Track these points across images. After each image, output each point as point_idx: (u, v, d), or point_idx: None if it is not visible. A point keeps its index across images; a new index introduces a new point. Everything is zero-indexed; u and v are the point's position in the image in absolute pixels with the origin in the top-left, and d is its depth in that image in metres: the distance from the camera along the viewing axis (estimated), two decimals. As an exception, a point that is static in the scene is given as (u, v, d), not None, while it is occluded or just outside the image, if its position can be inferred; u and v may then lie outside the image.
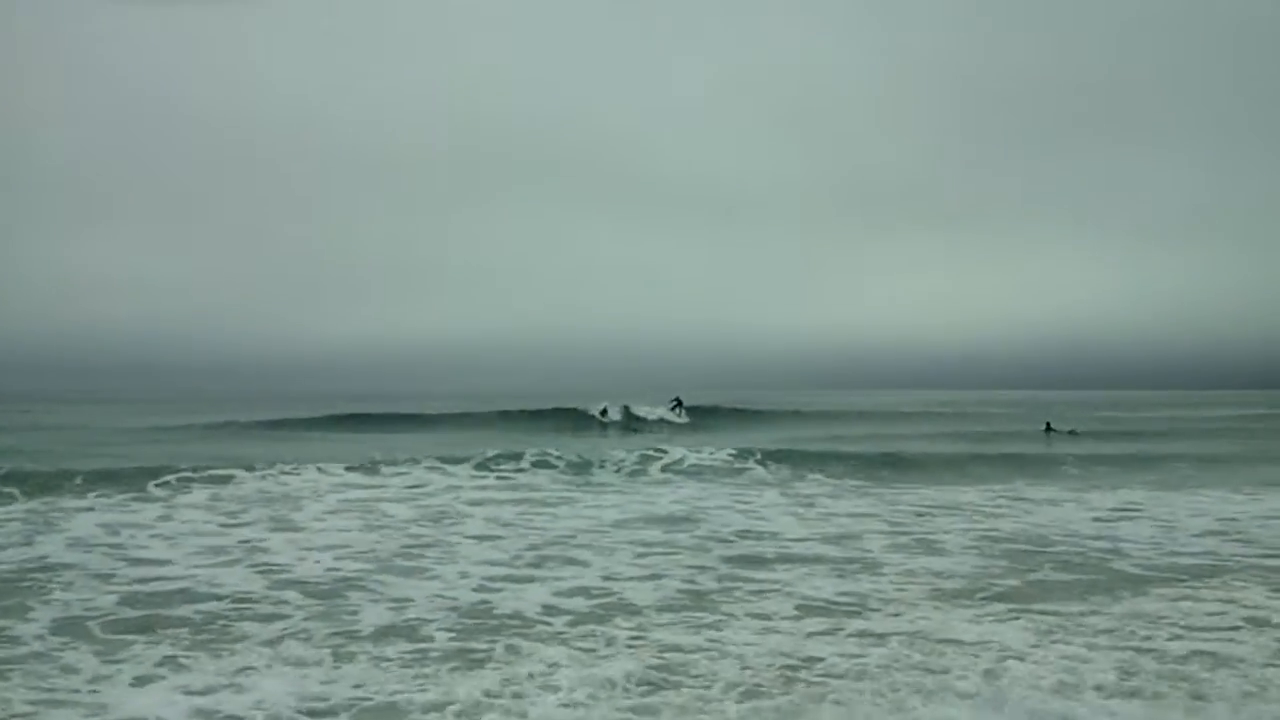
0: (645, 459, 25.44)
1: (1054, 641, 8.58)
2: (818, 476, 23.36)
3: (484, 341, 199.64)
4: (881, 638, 8.76)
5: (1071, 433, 38.71)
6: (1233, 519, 16.60)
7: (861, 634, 8.91)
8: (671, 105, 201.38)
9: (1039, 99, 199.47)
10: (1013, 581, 11.31)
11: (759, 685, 7.38)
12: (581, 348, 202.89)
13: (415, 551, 13.30)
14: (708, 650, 8.34)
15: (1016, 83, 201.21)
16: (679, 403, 47.37)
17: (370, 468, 22.77)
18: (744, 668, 7.83)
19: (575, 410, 45.06)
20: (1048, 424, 40.88)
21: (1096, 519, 16.74)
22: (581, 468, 24.31)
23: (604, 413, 44.06)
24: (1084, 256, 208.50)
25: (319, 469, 22.11)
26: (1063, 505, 18.57)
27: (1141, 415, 55.58)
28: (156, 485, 19.74)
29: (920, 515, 17.12)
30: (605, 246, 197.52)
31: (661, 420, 44.53)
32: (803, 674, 7.66)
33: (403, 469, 22.88)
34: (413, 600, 10.33)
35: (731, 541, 14.27)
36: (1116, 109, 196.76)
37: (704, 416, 45.95)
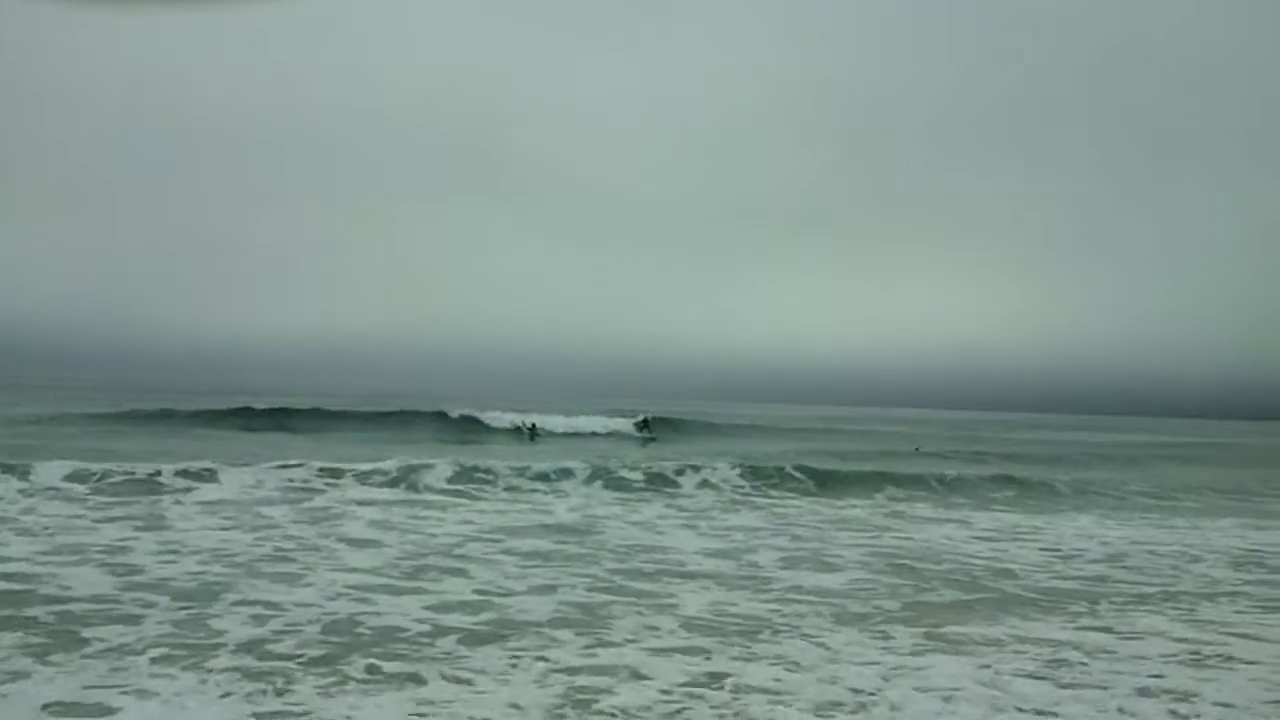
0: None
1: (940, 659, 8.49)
2: (711, 490, 23.23)
3: (379, 342, 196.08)
4: (795, 664, 8.54)
5: (919, 451, 38.90)
6: (1110, 543, 16.97)
7: (758, 658, 8.68)
8: (575, 115, 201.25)
9: (932, 124, 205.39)
10: (896, 600, 11.25)
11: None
12: (478, 352, 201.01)
13: (290, 556, 12.65)
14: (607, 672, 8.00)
15: (910, 108, 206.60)
16: (646, 423, 46.76)
17: (253, 466, 21.77)
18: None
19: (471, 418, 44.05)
20: (916, 447, 41.01)
21: (977, 539, 16.95)
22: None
23: (533, 429, 42.05)
24: (973, 278, 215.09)
25: (205, 467, 20.86)
26: (944, 525, 18.80)
27: (1021, 438, 57.07)
28: (17, 478, 18.51)
29: (812, 529, 17.15)
30: (506, 252, 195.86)
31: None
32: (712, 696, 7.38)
33: (287, 470, 21.89)
34: (280, 609, 9.74)
35: (624, 554, 13.98)
36: (1008, 135, 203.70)
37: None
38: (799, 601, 11.02)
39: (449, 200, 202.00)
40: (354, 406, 47.20)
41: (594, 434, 44.39)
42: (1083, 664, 8.65)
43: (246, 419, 39.81)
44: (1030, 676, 8.16)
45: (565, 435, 43.27)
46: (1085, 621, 10.47)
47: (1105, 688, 7.89)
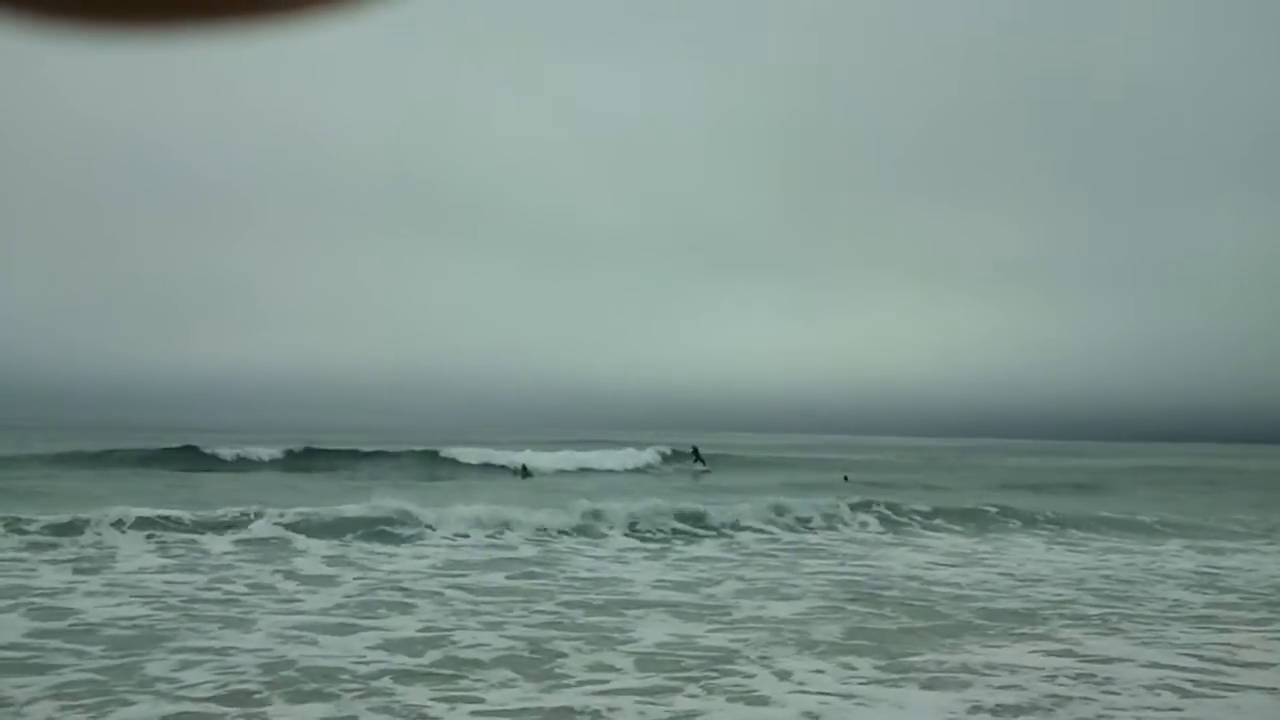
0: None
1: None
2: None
3: (323, 376, 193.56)
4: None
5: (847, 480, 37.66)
6: (1065, 569, 16.92)
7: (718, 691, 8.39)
8: (515, 146, 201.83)
9: (876, 157, 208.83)
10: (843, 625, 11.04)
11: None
12: (422, 386, 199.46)
13: (229, 598, 12.15)
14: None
15: (865, 141, 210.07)
16: (696, 452, 45.93)
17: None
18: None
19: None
20: (845, 476, 39.34)
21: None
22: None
23: (524, 469, 38.96)
24: (915, 308, 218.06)
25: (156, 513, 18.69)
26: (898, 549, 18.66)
27: (947, 466, 57.07)
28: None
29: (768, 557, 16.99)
30: (449, 285, 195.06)
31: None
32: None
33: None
34: (218, 654, 9.28)
35: (579, 588, 13.63)
36: (948, 168, 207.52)
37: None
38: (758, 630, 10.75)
39: (405, 236, 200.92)
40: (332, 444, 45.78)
41: (632, 469, 43.46)
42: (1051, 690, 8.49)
43: (193, 459, 38.86)
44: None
45: (582, 472, 41.14)
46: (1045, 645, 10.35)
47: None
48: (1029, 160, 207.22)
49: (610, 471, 42.45)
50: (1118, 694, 8.37)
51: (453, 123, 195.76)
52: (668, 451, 48.71)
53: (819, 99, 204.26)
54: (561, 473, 40.64)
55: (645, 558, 16.78)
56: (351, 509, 19.11)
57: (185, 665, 8.74)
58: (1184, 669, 9.32)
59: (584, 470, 42.13)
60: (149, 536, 16.73)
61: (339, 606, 11.67)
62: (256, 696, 7.89)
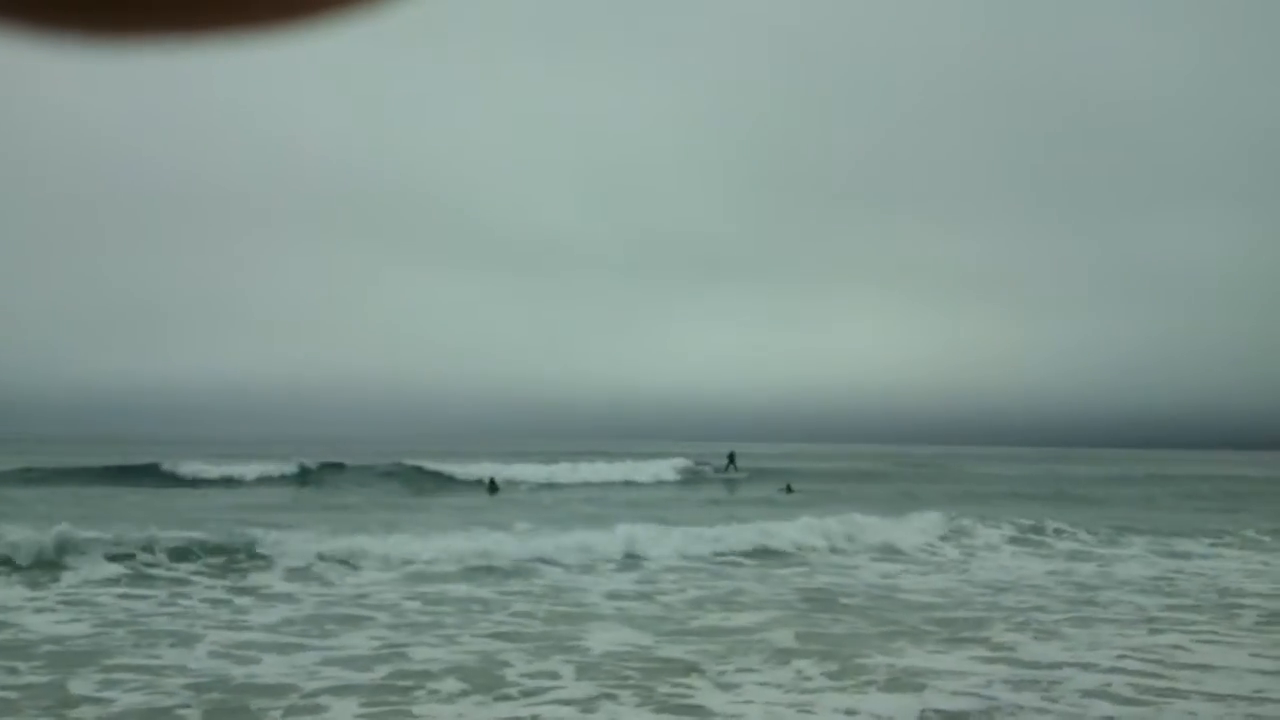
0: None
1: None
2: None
3: (292, 386, 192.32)
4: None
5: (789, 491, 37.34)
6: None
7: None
8: (488, 158, 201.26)
9: (846, 169, 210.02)
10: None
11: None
12: (393, 396, 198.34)
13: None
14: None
15: (824, 153, 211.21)
16: (732, 459, 45.36)
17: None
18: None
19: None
20: (788, 485, 38.85)
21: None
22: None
23: (491, 483, 37.46)
24: (883, 317, 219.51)
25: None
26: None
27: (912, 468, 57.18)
28: None
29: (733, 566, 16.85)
30: (417, 295, 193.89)
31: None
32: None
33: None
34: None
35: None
36: (917, 180, 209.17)
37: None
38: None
39: (377, 249, 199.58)
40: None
41: (606, 483, 41.04)
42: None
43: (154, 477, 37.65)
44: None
45: (551, 487, 39.06)
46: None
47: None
48: (997, 173, 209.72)
49: (586, 484, 40.25)
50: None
51: (426, 135, 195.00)
52: (688, 463, 47.23)
53: (789, 112, 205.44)
54: (538, 487, 38.95)
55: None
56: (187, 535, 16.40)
57: None
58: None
59: (553, 485, 40.09)
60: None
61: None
62: None
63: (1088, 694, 8.57)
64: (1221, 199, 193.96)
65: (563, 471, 42.59)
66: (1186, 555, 19.39)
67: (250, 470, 38.92)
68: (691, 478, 45.07)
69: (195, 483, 36.57)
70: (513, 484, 38.78)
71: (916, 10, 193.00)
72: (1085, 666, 9.59)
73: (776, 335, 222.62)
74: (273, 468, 39.88)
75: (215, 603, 12.65)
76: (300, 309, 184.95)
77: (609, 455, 54.81)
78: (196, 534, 16.53)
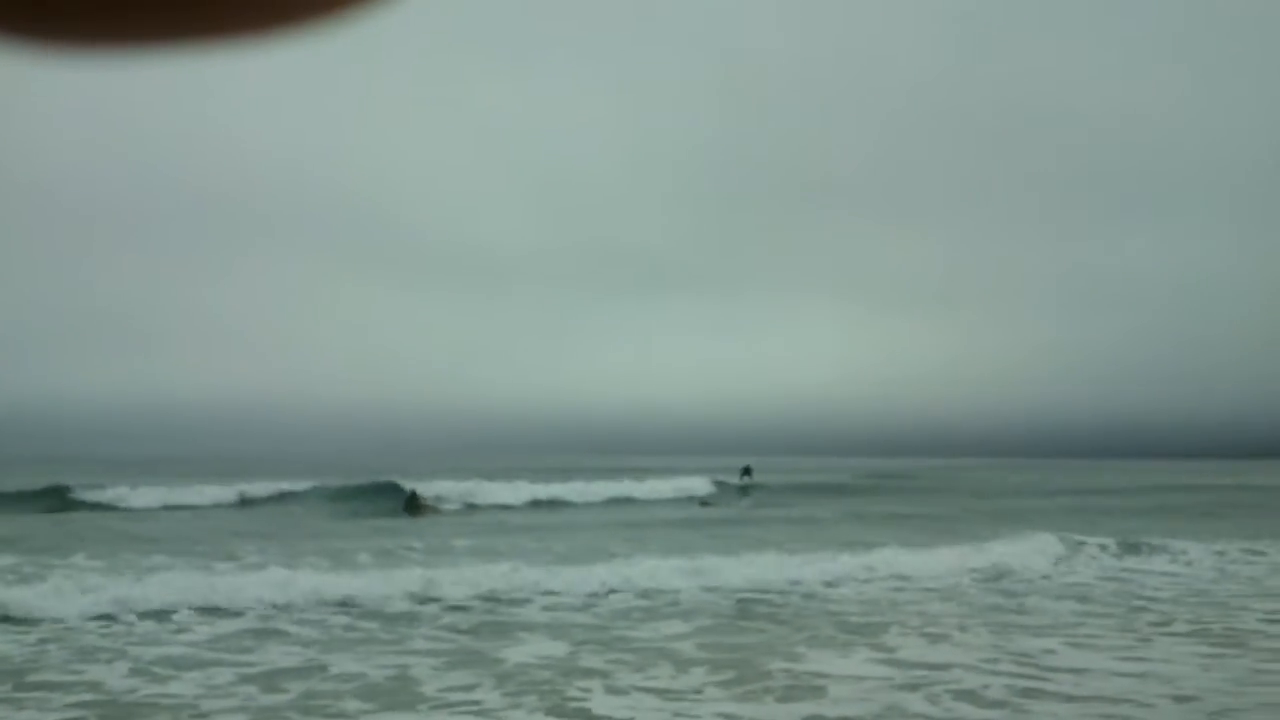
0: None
1: None
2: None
3: (226, 404, 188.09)
4: None
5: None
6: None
7: None
8: (453, 174, 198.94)
9: (798, 176, 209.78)
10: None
11: None
12: (329, 413, 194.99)
13: None
14: None
15: (776, 160, 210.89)
16: (747, 471, 44.10)
17: None
18: None
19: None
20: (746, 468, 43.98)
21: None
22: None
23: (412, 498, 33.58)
24: (835, 327, 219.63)
25: None
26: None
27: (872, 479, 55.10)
28: None
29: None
30: (366, 310, 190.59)
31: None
32: None
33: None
34: None
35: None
36: (869, 187, 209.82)
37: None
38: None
39: (305, 263, 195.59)
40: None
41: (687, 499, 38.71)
42: None
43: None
44: None
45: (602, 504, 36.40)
46: None
47: None
48: (953, 179, 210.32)
49: (561, 504, 36.35)
50: None
51: (376, 147, 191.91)
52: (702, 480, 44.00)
53: (739, 119, 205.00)
54: (471, 507, 34.57)
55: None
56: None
57: None
58: None
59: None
60: None
61: None
62: None
63: None
64: (1204, 206, 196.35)
65: (573, 491, 38.24)
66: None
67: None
68: (721, 491, 41.79)
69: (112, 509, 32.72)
70: (560, 504, 35.48)
71: (899, 19, 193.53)
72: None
73: (732, 346, 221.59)
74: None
75: None
76: (271, 325, 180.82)
77: (616, 473, 50.90)
78: None
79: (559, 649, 10.51)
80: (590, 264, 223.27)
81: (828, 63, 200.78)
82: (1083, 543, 19.89)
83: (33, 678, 9.21)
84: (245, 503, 34.41)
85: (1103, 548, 19.73)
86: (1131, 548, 19.89)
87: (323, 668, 9.65)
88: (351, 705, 8.39)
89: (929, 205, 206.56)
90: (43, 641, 10.61)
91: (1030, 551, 18.21)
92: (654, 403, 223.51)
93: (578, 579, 14.44)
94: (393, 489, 35.22)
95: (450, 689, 8.87)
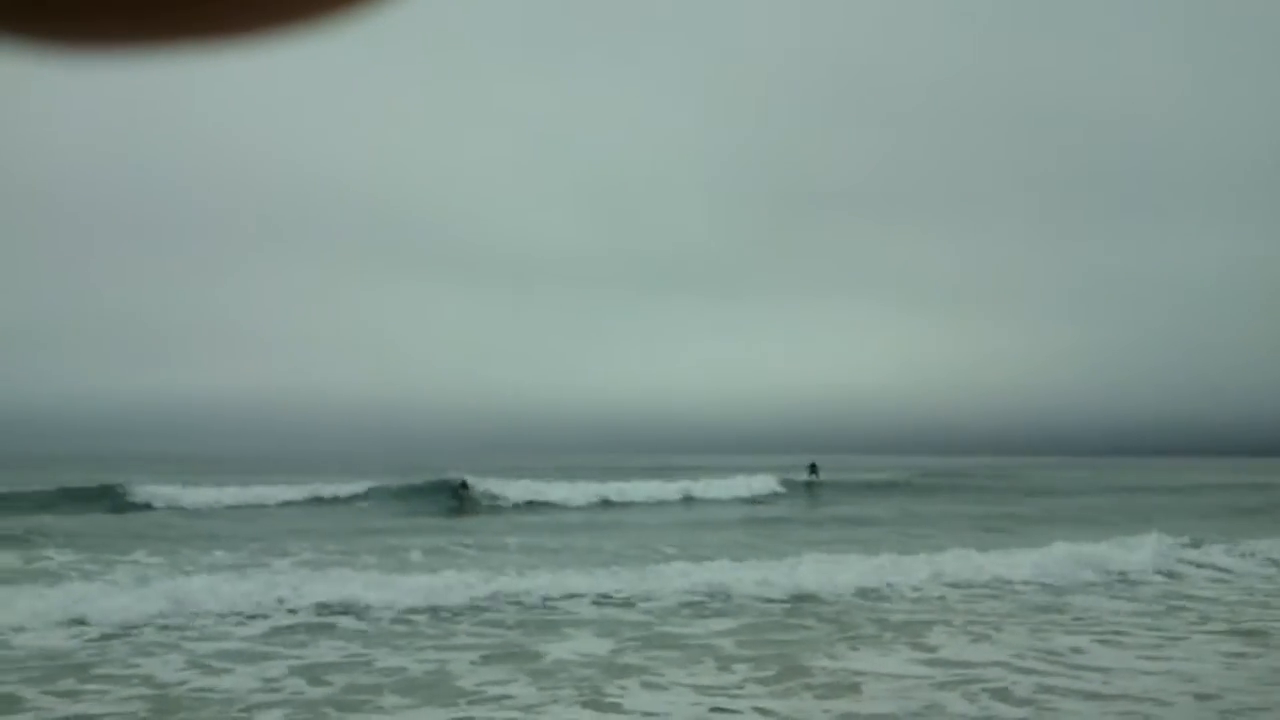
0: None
1: None
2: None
3: (278, 404, 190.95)
4: None
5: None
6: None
7: None
8: (471, 175, 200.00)
9: (830, 183, 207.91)
10: None
11: None
12: (381, 411, 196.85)
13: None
14: None
15: (808, 167, 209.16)
16: (814, 468, 44.58)
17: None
18: None
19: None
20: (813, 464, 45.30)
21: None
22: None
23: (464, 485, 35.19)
24: (857, 328, 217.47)
25: None
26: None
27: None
28: None
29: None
30: (406, 311, 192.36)
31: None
32: None
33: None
34: None
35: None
36: (898, 192, 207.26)
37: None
38: None
39: (360, 261, 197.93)
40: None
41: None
42: None
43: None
44: None
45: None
46: None
47: None
48: (988, 182, 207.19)
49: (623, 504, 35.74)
50: None
51: (411, 148, 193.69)
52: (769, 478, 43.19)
53: (773, 126, 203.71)
54: (529, 505, 34.16)
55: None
56: None
57: None
58: None
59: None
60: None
61: None
62: None
63: None
64: (1223, 207, 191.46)
65: (637, 490, 37.88)
66: None
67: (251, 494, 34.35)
68: (789, 488, 41.36)
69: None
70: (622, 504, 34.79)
71: (905, 22, 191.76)
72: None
73: (772, 347, 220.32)
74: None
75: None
76: (290, 325, 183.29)
77: (671, 471, 50.53)
78: None
79: (602, 646, 10.41)
80: (623, 267, 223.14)
81: (870, 67, 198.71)
82: (1192, 542, 18.79)
83: (95, 671, 9.33)
84: (303, 501, 34.66)
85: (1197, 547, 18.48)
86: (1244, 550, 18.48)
87: (367, 663, 9.68)
88: (389, 700, 8.39)
89: (966, 206, 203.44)
90: (105, 637, 10.75)
91: (1149, 552, 17.20)
92: (697, 401, 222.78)
93: (632, 579, 14.16)
94: (443, 487, 35.59)
95: (485, 683, 8.85)
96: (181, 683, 8.92)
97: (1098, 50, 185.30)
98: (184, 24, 0.41)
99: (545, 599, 12.99)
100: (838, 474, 49.35)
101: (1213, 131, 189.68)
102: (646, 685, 8.81)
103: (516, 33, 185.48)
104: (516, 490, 35.73)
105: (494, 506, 33.40)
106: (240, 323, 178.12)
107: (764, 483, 41.05)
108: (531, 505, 34.08)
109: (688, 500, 37.61)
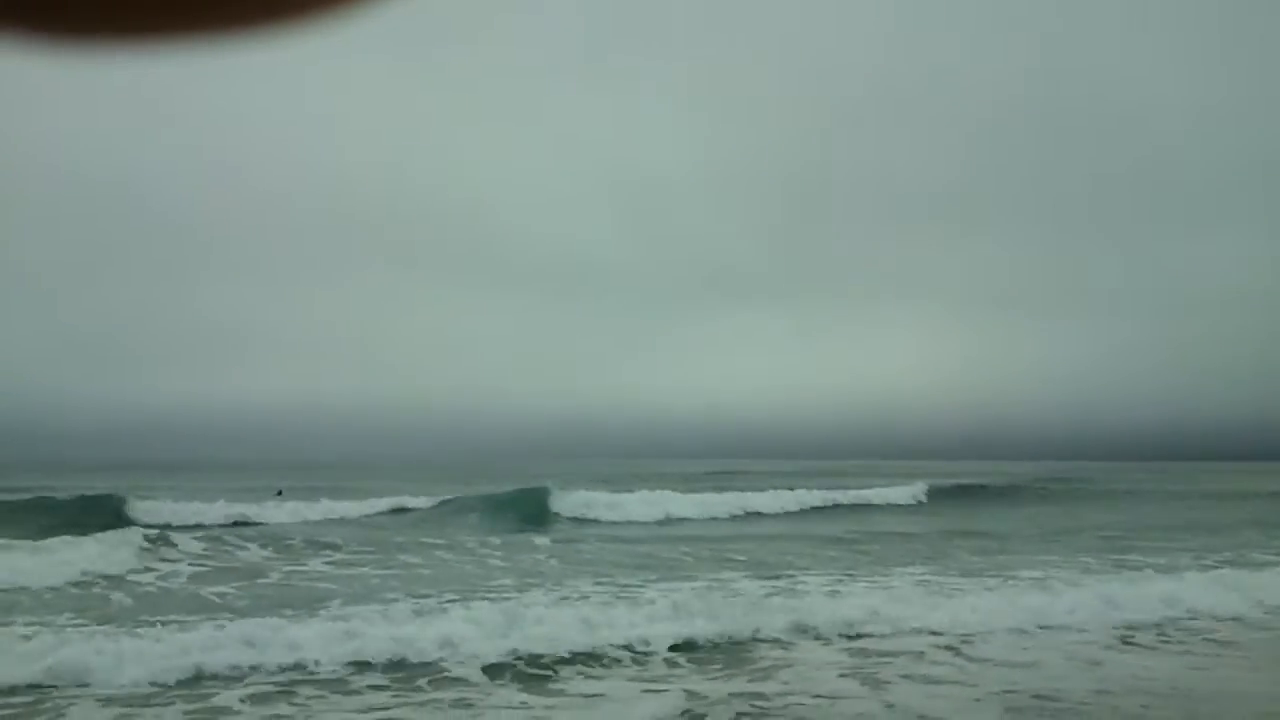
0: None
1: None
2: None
3: (328, 411, 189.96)
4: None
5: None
6: None
7: None
8: (516, 179, 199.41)
9: (875, 190, 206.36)
10: None
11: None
12: (424, 420, 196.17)
13: None
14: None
15: (853, 173, 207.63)
16: None
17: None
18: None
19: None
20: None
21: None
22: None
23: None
24: (907, 333, 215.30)
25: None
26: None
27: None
28: None
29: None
30: (449, 318, 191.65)
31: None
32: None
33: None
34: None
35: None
36: (945, 199, 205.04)
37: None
38: None
39: (399, 268, 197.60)
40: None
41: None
42: None
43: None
44: None
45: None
46: None
47: None
48: (1026, 189, 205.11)
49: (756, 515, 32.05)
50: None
51: (452, 154, 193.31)
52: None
53: (819, 134, 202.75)
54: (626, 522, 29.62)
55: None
56: None
57: None
58: None
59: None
60: None
61: None
62: None
63: None
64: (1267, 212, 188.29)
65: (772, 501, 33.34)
66: None
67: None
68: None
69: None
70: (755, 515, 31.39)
71: (938, 30, 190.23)
72: None
73: (806, 354, 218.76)
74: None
75: None
76: (320, 332, 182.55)
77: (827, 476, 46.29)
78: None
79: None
80: (669, 274, 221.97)
81: (907, 73, 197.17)
82: None
83: None
84: (398, 512, 31.55)
85: None
86: None
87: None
88: None
89: (1005, 211, 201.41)
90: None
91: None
92: (733, 409, 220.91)
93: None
94: (532, 496, 32.10)
95: None
96: None
97: (1139, 54, 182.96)
98: (204, 18, 0.40)
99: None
100: (968, 479, 45.12)
101: (1257, 136, 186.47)
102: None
103: (560, 34, 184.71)
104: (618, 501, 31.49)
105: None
106: (329, 332, 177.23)
107: (903, 493, 36.65)
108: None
109: (836, 507, 33.88)
